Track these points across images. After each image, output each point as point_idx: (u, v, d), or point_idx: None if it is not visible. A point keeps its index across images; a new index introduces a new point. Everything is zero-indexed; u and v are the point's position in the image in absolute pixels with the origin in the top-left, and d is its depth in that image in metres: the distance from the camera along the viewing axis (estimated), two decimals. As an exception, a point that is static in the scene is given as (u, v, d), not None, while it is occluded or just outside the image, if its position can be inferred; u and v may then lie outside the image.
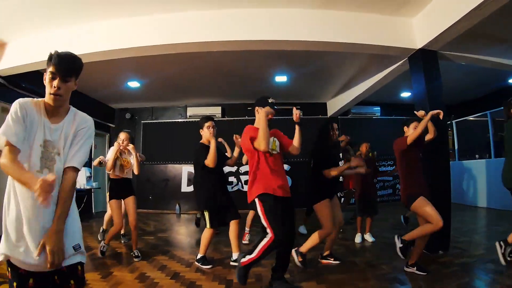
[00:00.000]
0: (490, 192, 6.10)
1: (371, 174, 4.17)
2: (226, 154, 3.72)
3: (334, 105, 7.21)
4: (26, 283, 1.12)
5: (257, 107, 2.53)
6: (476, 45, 3.81)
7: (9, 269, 1.14)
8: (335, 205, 2.95)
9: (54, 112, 1.24)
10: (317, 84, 6.25)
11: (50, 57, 1.20)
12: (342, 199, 5.31)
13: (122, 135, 3.42)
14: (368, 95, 5.73)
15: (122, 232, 4.01)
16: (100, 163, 3.58)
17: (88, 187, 6.12)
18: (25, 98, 1.20)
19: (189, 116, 7.57)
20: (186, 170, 7.40)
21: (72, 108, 1.32)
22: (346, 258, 3.20)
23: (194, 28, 3.44)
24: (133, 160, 3.42)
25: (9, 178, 1.16)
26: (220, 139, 4.04)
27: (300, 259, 2.87)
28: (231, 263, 3.05)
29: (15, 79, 4.37)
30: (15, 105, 1.16)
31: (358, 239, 3.95)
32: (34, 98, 1.25)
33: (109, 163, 3.32)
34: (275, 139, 2.52)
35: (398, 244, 2.66)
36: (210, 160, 2.89)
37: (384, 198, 7.24)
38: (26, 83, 4.71)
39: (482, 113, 6.59)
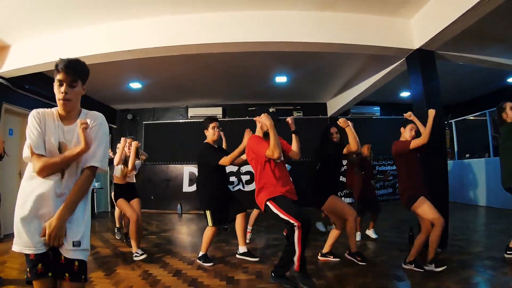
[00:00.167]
0: (489, 190, 6.13)
1: (370, 174, 4.22)
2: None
3: (334, 105, 7.25)
4: (35, 267, 1.21)
5: (259, 117, 2.59)
6: (473, 45, 3.84)
7: (25, 258, 1.25)
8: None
9: (66, 116, 1.34)
10: (317, 84, 6.30)
11: (56, 65, 1.28)
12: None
13: (129, 140, 3.54)
14: (368, 95, 5.78)
15: (125, 231, 4.07)
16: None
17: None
18: (39, 109, 1.32)
19: (190, 116, 7.63)
20: (187, 170, 7.46)
21: (84, 110, 1.41)
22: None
23: (194, 30, 3.49)
24: (131, 158, 3.45)
25: (24, 180, 1.28)
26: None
27: (359, 258, 2.96)
28: (237, 256, 3.12)
29: (18, 81, 4.43)
30: (30, 117, 1.29)
31: (357, 237, 3.99)
32: (42, 103, 1.34)
33: (117, 157, 3.40)
34: None
35: (430, 266, 2.65)
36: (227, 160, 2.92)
37: (384, 198, 7.28)
38: (29, 84, 4.77)
39: (481, 112, 6.62)
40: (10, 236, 4.30)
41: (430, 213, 2.61)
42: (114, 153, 3.68)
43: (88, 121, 1.34)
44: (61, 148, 1.30)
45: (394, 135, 3.00)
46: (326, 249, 3.13)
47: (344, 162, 7.14)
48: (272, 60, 4.88)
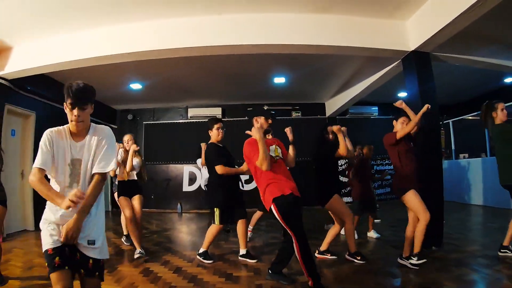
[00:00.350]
0: (486, 190, 6.19)
1: (369, 175, 4.27)
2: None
3: (332, 105, 7.31)
4: (53, 261, 1.35)
5: (255, 118, 2.62)
6: (468, 46, 3.91)
7: (44, 255, 1.39)
8: None
9: (77, 133, 1.47)
10: (315, 85, 6.36)
11: (67, 90, 1.39)
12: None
13: (126, 136, 3.57)
14: (365, 95, 5.84)
15: (125, 233, 4.11)
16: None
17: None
18: (51, 129, 1.45)
19: (190, 117, 7.69)
20: (187, 170, 7.52)
21: (92, 125, 1.53)
22: (342, 253, 3.30)
23: (194, 33, 3.54)
24: (128, 160, 3.46)
25: None
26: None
27: (359, 258, 3.01)
28: (239, 258, 3.18)
29: (20, 82, 4.49)
30: (44, 136, 1.42)
31: (355, 236, 4.05)
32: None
33: (129, 164, 3.42)
34: (277, 146, 2.60)
35: (414, 260, 2.72)
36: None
37: (382, 197, 7.34)
38: (31, 85, 4.84)
39: (478, 112, 6.66)
40: (13, 235, 4.36)
41: (417, 207, 2.68)
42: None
43: (97, 134, 1.49)
44: (75, 164, 1.44)
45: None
46: (323, 246, 3.19)
47: (343, 161, 7.25)
48: (271, 61, 4.94)
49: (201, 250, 3.17)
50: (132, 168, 3.51)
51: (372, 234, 4.05)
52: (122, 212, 3.80)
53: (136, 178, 3.67)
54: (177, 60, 4.25)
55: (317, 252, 3.22)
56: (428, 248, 3.30)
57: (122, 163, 3.51)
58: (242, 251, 3.19)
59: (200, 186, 7.34)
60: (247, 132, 2.47)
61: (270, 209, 2.39)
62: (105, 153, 1.47)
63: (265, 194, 2.39)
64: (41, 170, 1.37)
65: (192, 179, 7.45)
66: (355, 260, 3.01)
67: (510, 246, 2.95)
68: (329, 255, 3.18)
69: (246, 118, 2.66)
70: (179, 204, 7.31)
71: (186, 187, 7.49)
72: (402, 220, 4.77)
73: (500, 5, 2.71)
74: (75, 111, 1.39)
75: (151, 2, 3.31)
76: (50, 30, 3.77)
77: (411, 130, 2.77)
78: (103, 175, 1.46)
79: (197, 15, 3.53)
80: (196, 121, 7.60)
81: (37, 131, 5.05)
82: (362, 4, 3.38)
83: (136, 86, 6.06)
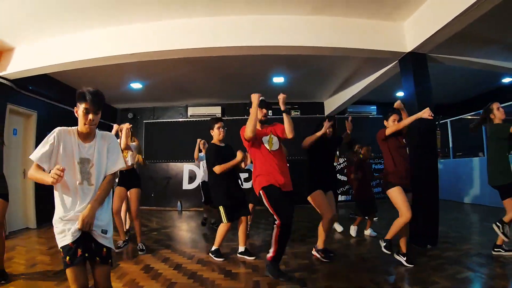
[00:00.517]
0: (483, 189, 6.24)
1: (368, 175, 4.32)
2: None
3: (331, 104, 7.35)
4: (76, 253, 1.48)
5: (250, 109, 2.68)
6: (465, 47, 3.94)
7: (62, 251, 1.50)
8: (331, 200, 3.12)
9: (85, 135, 1.60)
10: (314, 84, 6.40)
11: (83, 95, 1.52)
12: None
13: (126, 124, 3.54)
14: (364, 94, 5.88)
15: (126, 227, 4.18)
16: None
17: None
18: (61, 128, 1.56)
19: (190, 115, 7.74)
20: (187, 168, 7.58)
21: (97, 131, 1.67)
22: (340, 251, 3.36)
23: (193, 34, 3.58)
24: (122, 138, 3.43)
25: (56, 192, 1.55)
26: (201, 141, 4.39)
27: (322, 255, 3.08)
28: (238, 255, 3.24)
29: (22, 82, 4.52)
30: (53, 133, 1.54)
31: (353, 232, 4.12)
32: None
33: (123, 141, 3.38)
34: (273, 136, 2.66)
35: (382, 244, 2.85)
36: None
37: (380, 195, 7.39)
38: (32, 85, 4.88)
39: (476, 112, 6.72)
40: (15, 233, 4.42)
41: (400, 205, 2.73)
42: None
43: (106, 140, 1.65)
44: (83, 162, 1.57)
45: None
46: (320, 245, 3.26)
47: (342, 160, 7.29)
48: (270, 62, 4.97)
49: (213, 248, 3.25)
50: (128, 147, 3.48)
51: (369, 232, 4.11)
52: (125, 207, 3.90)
53: (134, 167, 3.68)
54: (177, 60, 4.28)
55: (313, 250, 3.28)
56: (423, 246, 3.37)
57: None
58: (241, 248, 3.26)
59: (199, 184, 7.39)
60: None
61: (259, 196, 2.55)
62: (117, 156, 1.67)
63: (256, 180, 2.59)
64: (38, 167, 1.49)
65: (192, 178, 7.52)
66: (319, 256, 3.07)
67: (503, 245, 3.02)
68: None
69: (246, 117, 2.73)
70: (179, 202, 7.38)
71: (186, 185, 7.55)
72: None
73: (497, 7, 2.74)
74: (90, 116, 1.53)
75: (151, 4, 3.34)
76: (52, 31, 3.81)
77: (399, 128, 2.79)
78: (114, 174, 1.67)
79: (196, 17, 3.57)
80: (195, 120, 7.66)
81: (39, 130, 5.10)
82: (359, 5, 3.41)
83: (136, 85, 6.11)
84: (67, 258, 1.46)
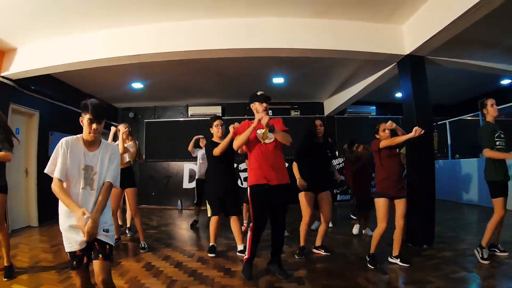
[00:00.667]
0: (481, 189, 6.26)
1: (366, 174, 4.37)
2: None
3: (331, 104, 7.39)
4: (82, 260, 1.66)
5: (251, 104, 2.73)
6: (463, 50, 3.97)
7: (69, 254, 1.67)
8: (322, 200, 3.18)
9: (91, 143, 1.74)
10: (313, 84, 6.44)
11: (86, 107, 1.65)
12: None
13: (121, 127, 3.61)
14: (363, 95, 5.92)
15: (128, 225, 4.24)
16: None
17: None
18: (68, 137, 1.68)
19: (190, 115, 7.78)
20: (187, 167, 7.63)
21: (103, 140, 1.81)
22: (337, 250, 3.42)
23: (193, 36, 3.63)
24: (120, 141, 3.49)
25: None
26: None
27: (297, 252, 3.21)
28: (237, 254, 3.30)
29: (24, 82, 4.56)
30: (60, 143, 1.65)
31: (355, 230, 4.21)
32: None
33: (120, 146, 3.44)
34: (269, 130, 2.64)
35: (368, 259, 2.90)
36: (216, 150, 3.16)
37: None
38: (35, 85, 4.92)
39: (475, 113, 6.76)
40: (17, 231, 4.47)
41: (380, 215, 2.82)
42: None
43: (109, 150, 1.77)
44: (87, 169, 1.69)
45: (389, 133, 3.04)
46: (317, 242, 3.34)
47: (341, 160, 7.34)
48: (269, 63, 5.01)
49: (210, 244, 3.38)
50: (126, 150, 3.54)
51: (367, 231, 4.17)
52: (127, 206, 3.94)
53: (130, 164, 3.71)
54: (177, 61, 4.32)
55: (312, 247, 3.35)
56: (419, 246, 3.42)
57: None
58: (240, 247, 3.31)
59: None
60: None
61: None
62: (116, 168, 1.78)
63: (248, 176, 2.69)
64: (59, 181, 1.61)
65: (192, 176, 7.56)
66: (297, 255, 3.18)
67: (499, 245, 3.07)
68: (323, 251, 3.30)
69: (246, 116, 2.79)
70: (179, 201, 7.45)
71: (186, 184, 7.60)
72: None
73: (494, 11, 2.77)
74: (94, 125, 1.66)
75: (152, 7, 3.38)
76: (54, 32, 3.85)
77: (393, 144, 2.83)
78: (113, 184, 1.76)
79: (197, 19, 3.61)
80: (196, 119, 7.70)
81: (41, 129, 5.16)
82: (358, 8, 3.44)
83: (137, 85, 6.15)
84: (74, 262, 1.65)
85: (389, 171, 2.88)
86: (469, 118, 7.28)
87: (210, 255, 3.27)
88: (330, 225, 4.63)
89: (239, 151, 3.09)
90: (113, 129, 3.65)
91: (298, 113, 7.79)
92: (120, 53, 3.75)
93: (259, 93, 2.69)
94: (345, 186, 7.24)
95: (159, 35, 3.69)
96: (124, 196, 3.79)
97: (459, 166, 7.02)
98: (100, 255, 1.64)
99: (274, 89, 6.57)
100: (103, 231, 1.68)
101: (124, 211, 4.57)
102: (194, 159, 5.05)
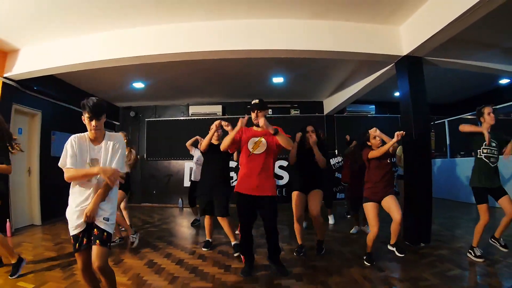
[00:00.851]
0: (479, 189, 6.29)
1: (361, 170, 4.41)
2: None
3: (330, 103, 7.43)
4: (82, 241, 1.81)
5: (251, 113, 2.80)
6: (461, 51, 3.99)
7: (72, 238, 1.82)
8: (310, 197, 3.18)
9: (95, 138, 1.89)
10: (313, 84, 6.48)
11: (84, 106, 1.80)
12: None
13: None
14: (362, 94, 5.95)
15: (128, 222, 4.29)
16: None
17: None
18: (76, 134, 1.85)
19: (191, 114, 7.82)
20: (188, 166, 7.68)
21: (107, 133, 1.94)
22: (335, 247, 3.49)
23: (194, 38, 3.66)
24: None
25: (72, 188, 1.86)
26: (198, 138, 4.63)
27: (296, 248, 3.31)
28: (234, 255, 3.33)
29: (27, 82, 4.61)
30: (69, 140, 1.82)
31: (354, 230, 4.27)
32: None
33: None
34: (263, 139, 2.68)
35: (364, 257, 2.98)
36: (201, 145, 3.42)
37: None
38: (37, 85, 4.97)
39: (473, 112, 6.77)
40: (20, 230, 4.53)
41: (370, 219, 2.91)
42: None
43: (112, 140, 1.90)
44: (93, 162, 1.85)
45: (388, 133, 3.07)
46: (299, 241, 3.36)
47: (340, 158, 7.39)
48: (269, 63, 5.05)
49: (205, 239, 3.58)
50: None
51: (365, 229, 4.23)
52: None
53: (130, 172, 3.88)
54: (178, 61, 4.35)
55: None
56: (416, 244, 3.48)
57: None
58: (233, 242, 3.38)
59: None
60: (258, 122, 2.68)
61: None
62: (120, 157, 1.89)
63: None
64: (70, 169, 1.78)
65: (193, 175, 7.62)
66: (296, 254, 3.25)
67: (501, 240, 3.08)
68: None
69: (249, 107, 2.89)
70: (180, 199, 7.52)
71: (187, 183, 7.63)
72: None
73: (492, 12, 2.80)
74: (93, 122, 1.81)
75: (152, 9, 3.42)
76: (56, 33, 3.89)
77: (379, 155, 2.89)
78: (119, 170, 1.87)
79: (197, 21, 3.65)
80: (197, 119, 7.75)
81: (43, 129, 5.22)
82: (356, 10, 3.47)
83: (138, 85, 6.20)
84: (76, 245, 1.81)
85: (377, 179, 2.96)
86: (469, 117, 7.30)
87: (204, 249, 3.44)
88: (332, 221, 4.78)
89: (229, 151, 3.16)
90: None
91: (298, 112, 7.84)
92: (121, 55, 3.79)
93: (253, 102, 2.76)
94: (341, 185, 7.28)
95: (160, 37, 3.73)
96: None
97: (457, 165, 7.06)
98: (98, 241, 1.77)
99: (274, 89, 6.62)
100: (103, 219, 1.82)
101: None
102: (193, 157, 5.10)
